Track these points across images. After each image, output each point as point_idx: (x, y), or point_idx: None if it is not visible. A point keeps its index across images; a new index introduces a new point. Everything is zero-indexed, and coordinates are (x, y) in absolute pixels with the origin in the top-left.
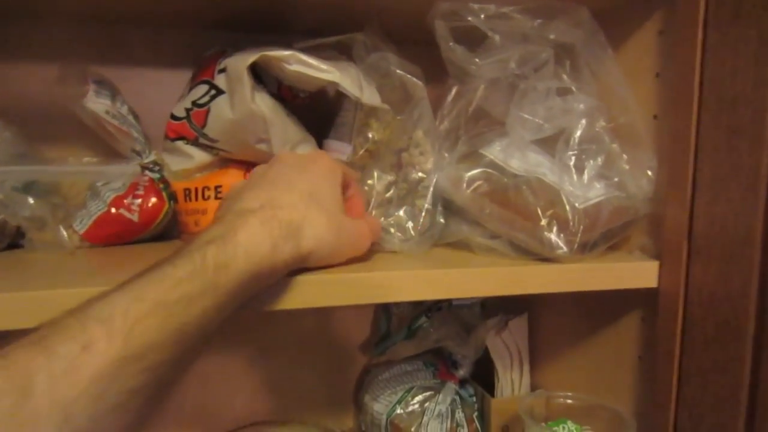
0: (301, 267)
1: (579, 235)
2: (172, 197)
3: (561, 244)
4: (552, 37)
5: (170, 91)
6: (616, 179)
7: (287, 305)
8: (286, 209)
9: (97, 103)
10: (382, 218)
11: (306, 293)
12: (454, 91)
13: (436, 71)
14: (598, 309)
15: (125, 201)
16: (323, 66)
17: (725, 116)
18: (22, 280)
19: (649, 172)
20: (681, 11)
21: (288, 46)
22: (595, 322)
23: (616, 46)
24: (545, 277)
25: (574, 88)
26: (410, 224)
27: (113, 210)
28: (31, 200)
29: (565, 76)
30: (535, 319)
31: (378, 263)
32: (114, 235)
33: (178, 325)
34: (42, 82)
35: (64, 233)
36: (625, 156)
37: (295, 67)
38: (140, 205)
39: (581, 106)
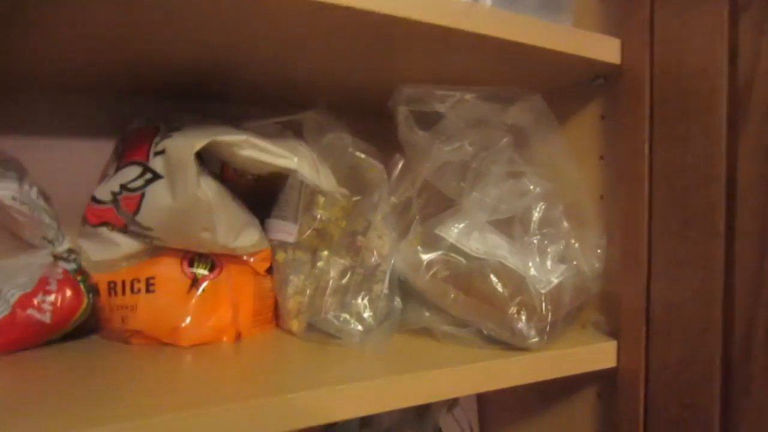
0: None
1: (548, 322)
2: (92, 290)
3: (533, 333)
4: (509, 122)
5: (82, 163)
6: (570, 259)
7: None
8: None
9: (1, 189)
10: (339, 309)
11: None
12: (400, 165)
13: (376, 142)
14: (550, 383)
15: (35, 300)
16: (281, 152)
17: (678, 207)
18: None
19: (599, 251)
20: (624, 101)
21: (232, 124)
22: (547, 395)
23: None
24: (516, 370)
25: (527, 171)
26: (368, 314)
27: (20, 312)
28: None
29: (517, 158)
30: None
31: (340, 369)
32: (20, 341)
33: None
34: None
35: None
36: (574, 234)
37: (248, 153)
38: (53, 303)
39: (537, 188)
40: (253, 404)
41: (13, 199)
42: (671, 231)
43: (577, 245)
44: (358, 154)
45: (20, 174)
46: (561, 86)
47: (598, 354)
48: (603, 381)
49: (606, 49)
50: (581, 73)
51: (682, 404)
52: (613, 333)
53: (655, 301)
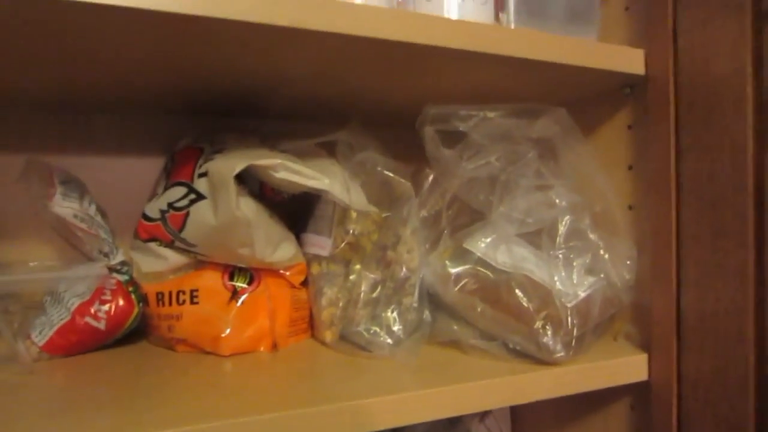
0: None
1: (574, 335)
2: (142, 300)
3: (559, 348)
4: (534, 136)
5: (136, 179)
6: (600, 271)
7: None
8: None
9: (64, 207)
10: (370, 322)
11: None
12: (430, 179)
13: (406, 152)
14: (582, 394)
15: (91, 309)
16: (312, 173)
17: (706, 216)
18: None
19: (629, 261)
20: (650, 111)
21: (270, 143)
22: (581, 406)
23: (585, 138)
24: (543, 384)
25: (555, 184)
26: (398, 326)
27: (78, 319)
28: None
29: (545, 171)
30: None
31: (371, 382)
32: (77, 345)
33: None
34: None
35: (22, 345)
36: (604, 245)
37: (282, 175)
38: (107, 312)
39: (563, 202)
40: (288, 415)
41: (75, 216)
42: (701, 241)
43: (607, 256)
44: (386, 172)
45: (81, 192)
46: (588, 97)
47: (629, 367)
48: (636, 393)
49: (630, 61)
50: (607, 85)
51: (717, 419)
52: (645, 345)
53: (686, 313)
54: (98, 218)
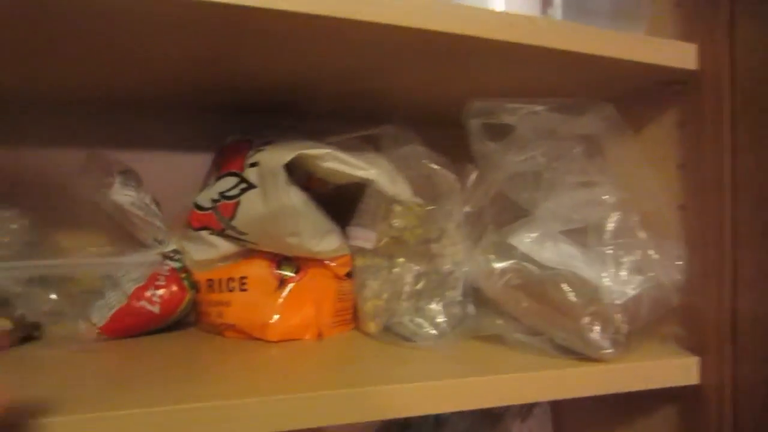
0: None
1: (622, 333)
2: (194, 286)
3: (607, 344)
4: (579, 132)
5: (185, 174)
6: (648, 270)
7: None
8: None
9: (123, 195)
10: (414, 314)
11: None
12: (474, 175)
13: (448, 151)
14: (629, 399)
15: (146, 293)
16: (359, 164)
17: (763, 217)
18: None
19: (679, 262)
20: (704, 107)
21: (316, 138)
22: (626, 411)
23: (633, 135)
24: (589, 380)
25: (601, 181)
26: (442, 318)
27: (134, 302)
28: (52, 296)
29: (590, 168)
30: (559, 403)
31: (415, 369)
32: (133, 327)
33: None
34: (58, 168)
35: (82, 326)
36: (653, 244)
37: (330, 164)
38: (161, 296)
39: (611, 198)
40: (332, 394)
41: (132, 204)
42: (758, 242)
43: (656, 256)
44: (431, 165)
45: (137, 183)
46: (636, 93)
47: (680, 369)
48: (686, 398)
49: (682, 55)
50: (657, 80)
51: None
52: (696, 348)
53: (742, 316)
54: (153, 207)
